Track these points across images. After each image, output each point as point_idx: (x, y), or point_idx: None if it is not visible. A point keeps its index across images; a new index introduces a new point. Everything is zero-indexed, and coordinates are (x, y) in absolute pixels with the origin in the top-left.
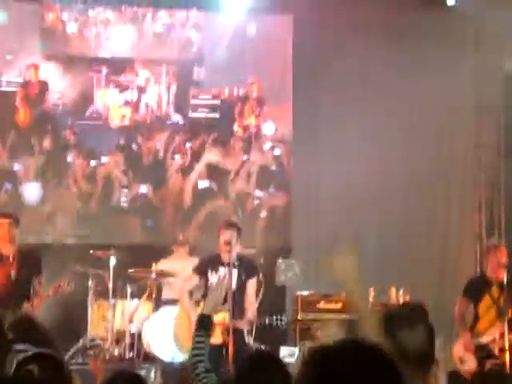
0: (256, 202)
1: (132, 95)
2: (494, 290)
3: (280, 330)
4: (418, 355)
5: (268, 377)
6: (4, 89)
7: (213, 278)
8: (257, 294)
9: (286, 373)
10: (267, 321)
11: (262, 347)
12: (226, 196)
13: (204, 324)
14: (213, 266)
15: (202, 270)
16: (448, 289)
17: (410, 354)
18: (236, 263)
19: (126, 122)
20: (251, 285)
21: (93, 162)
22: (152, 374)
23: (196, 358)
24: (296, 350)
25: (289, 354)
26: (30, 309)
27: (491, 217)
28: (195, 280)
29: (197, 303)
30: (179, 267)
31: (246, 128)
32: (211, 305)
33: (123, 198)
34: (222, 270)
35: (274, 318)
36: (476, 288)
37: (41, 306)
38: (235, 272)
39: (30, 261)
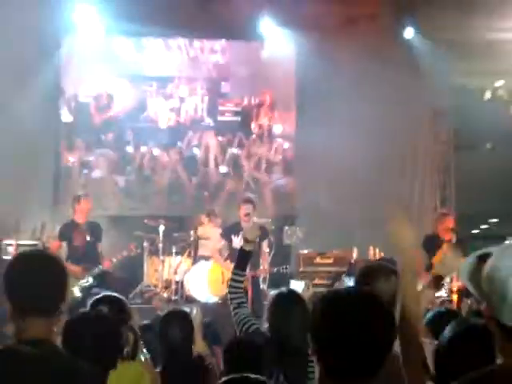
0: (268, 182)
1: (175, 103)
2: (445, 247)
3: (286, 277)
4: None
5: (292, 307)
6: (81, 100)
7: (235, 240)
8: (269, 252)
9: (303, 302)
10: (275, 270)
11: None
12: (243, 179)
13: (243, 260)
14: (235, 231)
15: (227, 235)
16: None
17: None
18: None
19: (172, 124)
20: (264, 245)
21: (147, 154)
22: (194, 311)
23: (232, 294)
24: (302, 283)
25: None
26: (106, 265)
27: (443, 194)
28: (223, 242)
29: (225, 259)
30: (210, 233)
31: (260, 127)
32: (253, 233)
33: (168, 181)
34: (242, 234)
35: (281, 267)
36: (430, 244)
37: (112, 264)
38: None
39: (96, 231)
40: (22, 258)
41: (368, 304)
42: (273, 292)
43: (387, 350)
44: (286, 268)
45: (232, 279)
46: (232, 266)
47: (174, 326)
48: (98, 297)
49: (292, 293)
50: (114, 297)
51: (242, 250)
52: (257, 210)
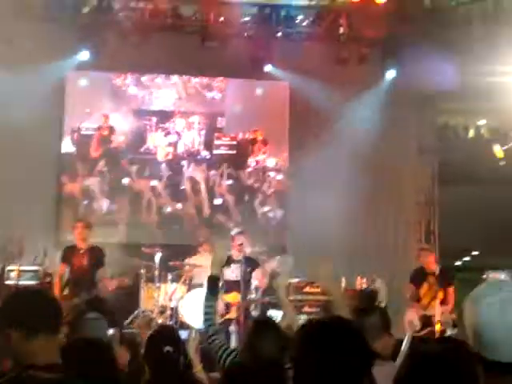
0: (262, 215)
1: (173, 138)
2: (430, 278)
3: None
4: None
5: (267, 333)
6: (84, 132)
7: (227, 272)
8: (263, 280)
9: (278, 329)
10: (268, 299)
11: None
12: (238, 211)
13: (212, 285)
14: (226, 263)
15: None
16: (398, 278)
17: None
18: (242, 261)
19: (170, 157)
20: (256, 274)
21: (144, 185)
22: (193, 334)
23: (206, 322)
24: (280, 312)
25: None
26: (101, 291)
27: (428, 228)
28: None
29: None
30: (204, 261)
31: (256, 161)
32: (216, 264)
33: (165, 211)
34: (233, 266)
35: (270, 297)
36: (417, 277)
37: (107, 292)
38: (243, 267)
39: (97, 255)
40: (22, 290)
41: (341, 331)
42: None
43: (361, 374)
44: (275, 298)
45: (205, 307)
46: (223, 296)
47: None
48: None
49: (267, 320)
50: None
51: (209, 276)
52: (248, 241)
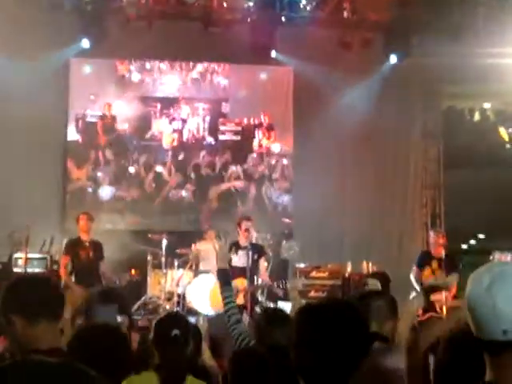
0: (269, 201)
1: (178, 124)
2: (434, 263)
3: (283, 291)
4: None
5: (277, 324)
6: (89, 120)
7: (234, 258)
8: (267, 267)
9: (288, 320)
10: (275, 284)
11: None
12: (244, 197)
13: (224, 277)
14: (234, 250)
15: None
16: (404, 262)
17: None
18: (249, 247)
19: (175, 144)
20: (262, 261)
21: (151, 172)
22: (200, 321)
23: (228, 311)
24: (289, 304)
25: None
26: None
27: (434, 211)
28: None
29: None
30: (210, 247)
31: (260, 146)
32: (222, 258)
33: (171, 198)
34: (241, 253)
35: (277, 283)
36: (422, 260)
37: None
38: (250, 253)
39: (98, 248)
40: (25, 276)
41: (339, 312)
42: (258, 309)
43: (361, 354)
44: (284, 284)
45: (224, 298)
46: (236, 282)
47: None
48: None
49: (277, 310)
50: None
51: (218, 270)
52: (255, 227)
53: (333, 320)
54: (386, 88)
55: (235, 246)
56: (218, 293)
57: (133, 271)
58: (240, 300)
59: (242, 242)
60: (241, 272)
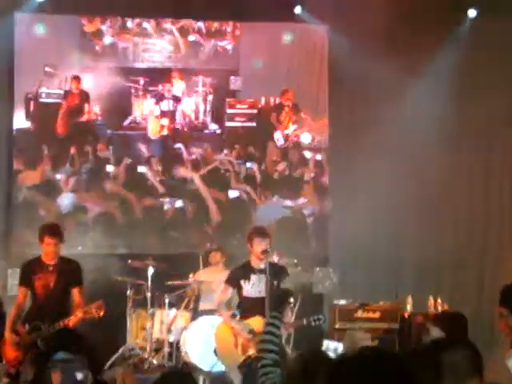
0: (291, 210)
1: (168, 105)
2: None
3: (318, 334)
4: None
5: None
6: (44, 100)
7: (246, 286)
8: (294, 303)
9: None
10: (304, 322)
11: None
12: (257, 206)
13: (283, 301)
14: (244, 274)
15: (234, 281)
16: (487, 300)
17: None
18: (266, 270)
19: (165, 132)
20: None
21: (131, 173)
22: (200, 381)
23: (264, 345)
24: (339, 345)
25: (332, 349)
26: (66, 323)
27: None
28: (230, 292)
29: (233, 316)
30: (215, 278)
31: (285, 137)
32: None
33: (159, 210)
34: (254, 278)
35: (312, 319)
36: None
37: (76, 325)
38: (263, 278)
39: (70, 271)
40: None
41: (385, 365)
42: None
43: None
44: (319, 320)
45: (269, 324)
46: (243, 324)
47: None
48: None
49: (320, 355)
50: None
51: (283, 290)
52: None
53: (377, 373)
54: (455, 61)
55: (245, 269)
56: (229, 340)
57: (93, 308)
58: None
59: (255, 263)
60: (255, 306)
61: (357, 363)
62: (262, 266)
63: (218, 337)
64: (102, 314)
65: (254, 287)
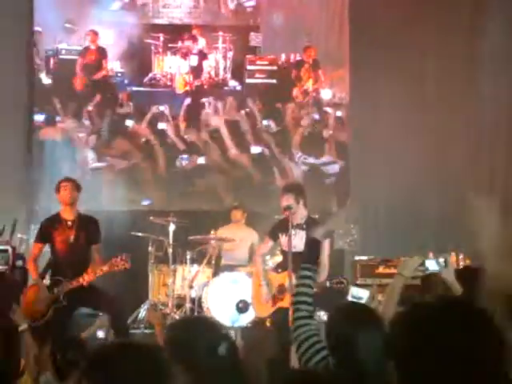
0: (311, 168)
1: (193, 60)
2: None
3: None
4: None
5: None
6: (64, 56)
7: (283, 239)
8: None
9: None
10: (328, 284)
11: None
12: (279, 162)
13: (313, 251)
14: (283, 229)
15: (274, 234)
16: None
17: None
18: (304, 226)
19: (185, 89)
20: (325, 246)
21: (152, 130)
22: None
23: (299, 297)
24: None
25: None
26: (88, 279)
27: None
28: (270, 244)
29: (276, 269)
30: (237, 235)
31: (304, 93)
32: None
33: (181, 165)
34: (292, 232)
35: (335, 281)
36: None
37: (94, 278)
38: (303, 234)
39: (89, 228)
40: None
41: (469, 316)
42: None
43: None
44: (341, 283)
45: (303, 277)
46: (285, 276)
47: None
48: None
49: (359, 306)
50: None
51: (311, 239)
52: (303, 200)
53: (462, 326)
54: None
55: (284, 225)
56: (259, 293)
57: (116, 261)
58: (286, 301)
59: (294, 219)
60: (293, 261)
61: (438, 311)
62: (300, 221)
63: (253, 287)
64: (127, 266)
65: (293, 241)
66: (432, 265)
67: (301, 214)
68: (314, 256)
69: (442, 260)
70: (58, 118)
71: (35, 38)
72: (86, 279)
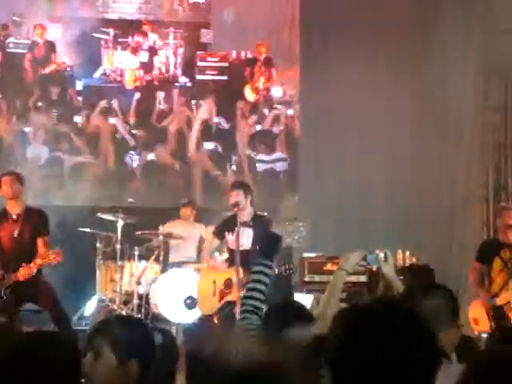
0: (262, 165)
1: (143, 56)
2: (504, 252)
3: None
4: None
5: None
6: (12, 50)
7: (230, 238)
8: None
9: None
10: (276, 271)
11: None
12: (230, 159)
13: (271, 247)
14: (229, 227)
15: (220, 232)
16: (455, 251)
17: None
18: (250, 223)
19: (137, 84)
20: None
21: (100, 124)
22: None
23: (248, 292)
24: (311, 297)
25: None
26: (23, 275)
27: (498, 180)
28: (216, 242)
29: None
30: (185, 231)
31: (256, 91)
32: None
33: (130, 161)
34: (239, 229)
35: (284, 268)
36: (487, 251)
37: (32, 273)
38: (250, 231)
39: (35, 221)
40: None
41: (399, 317)
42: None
43: (428, 375)
44: (291, 269)
45: (257, 272)
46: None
47: None
48: None
49: (294, 306)
50: None
51: (271, 234)
52: (250, 197)
53: (394, 326)
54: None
55: (231, 223)
56: (208, 289)
57: (53, 257)
58: (234, 294)
59: (239, 215)
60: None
61: (370, 312)
62: (246, 218)
63: (198, 285)
64: (59, 259)
65: (239, 239)
66: (372, 260)
67: (248, 211)
68: (272, 252)
69: (382, 255)
70: (4, 113)
71: None
72: (21, 273)
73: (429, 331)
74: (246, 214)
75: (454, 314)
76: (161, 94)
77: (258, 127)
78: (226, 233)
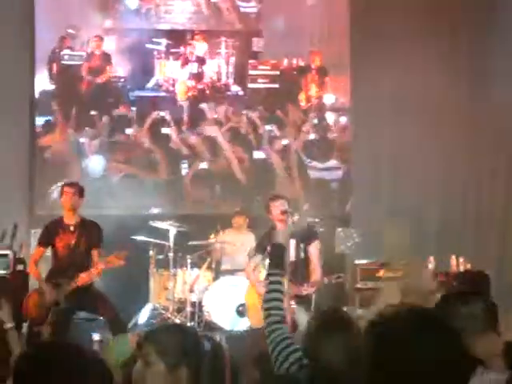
0: (315, 172)
1: (192, 67)
2: None
3: (341, 291)
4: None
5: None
6: (67, 62)
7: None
8: (319, 257)
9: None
10: (326, 281)
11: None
12: (282, 167)
13: (276, 256)
14: (270, 240)
15: (261, 247)
16: (510, 258)
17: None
18: (293, 231)
19: (189, 94)
20: (313, 248)
21: (153, 134)
22: (223, 340)
23: (270, 303)
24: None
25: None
26: (84, 280)
27: None
28: (259, 257)
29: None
30: (238, 240)
31: (308, 99)
32: (282, 235)
33: (184, 170)
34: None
35: (334, 276)
36: None
37: (92, 279)
38: (293, 241)
39: (90, 232)
40: None
41: (426, 326)
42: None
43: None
44: (340, 278)
45: (273, 282)
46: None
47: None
48: None
49: (339, 312)
50: None
51: (274, 245)
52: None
53: (421, 337)
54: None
55: (269, 237)
56: (255, 302)
57: (117, 261)
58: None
59: (281, 227)
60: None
61: (398, 321)
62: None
63: (245, 298)
64: (122, 263)
65: None
66: None
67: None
68: (279, 261)
69: None
70: (60, 124)
71: (36, 42)
72: (80, 281)
73: (457, 340)
74: (285, 225)
75: (493, 321)
76: (213, 103)
77: (312, 136)
78: (268, 246)
